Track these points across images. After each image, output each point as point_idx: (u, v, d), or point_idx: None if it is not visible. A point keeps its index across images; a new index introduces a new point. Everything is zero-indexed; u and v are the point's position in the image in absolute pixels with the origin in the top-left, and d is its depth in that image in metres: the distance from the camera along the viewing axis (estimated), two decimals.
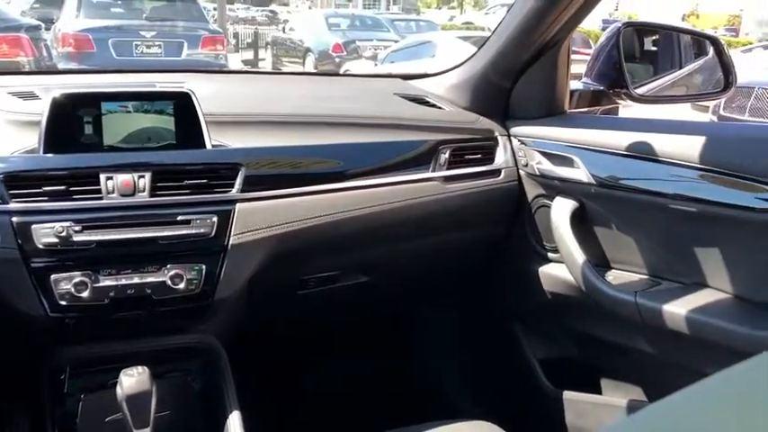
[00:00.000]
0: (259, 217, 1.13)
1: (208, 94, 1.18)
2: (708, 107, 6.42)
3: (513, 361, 1.50)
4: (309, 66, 11.54)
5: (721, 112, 6.17)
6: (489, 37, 1.45)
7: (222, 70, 6.38)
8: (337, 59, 10.93)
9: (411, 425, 1.08)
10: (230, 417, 1.05)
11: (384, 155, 1.31)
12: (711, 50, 1.66)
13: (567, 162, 1.31)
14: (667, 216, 1.16)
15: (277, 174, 1.19)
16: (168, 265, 1.06)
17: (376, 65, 9.49)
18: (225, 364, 1.14)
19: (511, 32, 1.35)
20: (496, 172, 1.41)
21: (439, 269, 1.53)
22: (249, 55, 13.90)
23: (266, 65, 13.30)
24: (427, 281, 1.57)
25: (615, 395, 1.31)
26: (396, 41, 10.75)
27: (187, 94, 1.12)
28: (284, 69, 11.56)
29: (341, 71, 9.22)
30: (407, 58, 9.21)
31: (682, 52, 1.71)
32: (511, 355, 1.51)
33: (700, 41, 1.70)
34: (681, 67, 1.69)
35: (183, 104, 1.12)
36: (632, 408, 1.24)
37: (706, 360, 1.11)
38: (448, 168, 1.36)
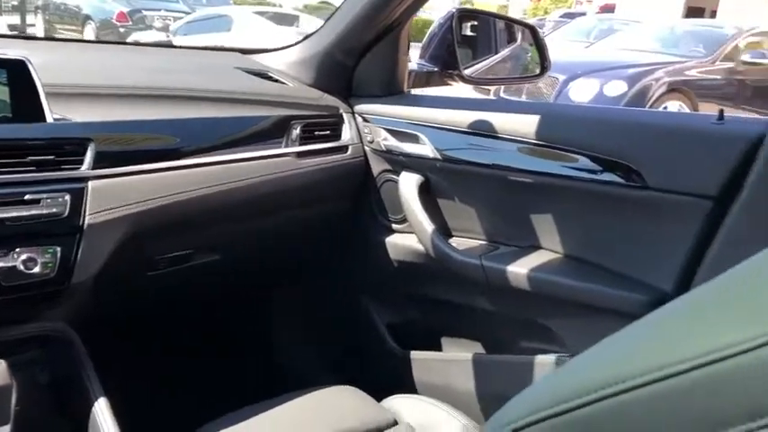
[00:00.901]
0: (114, 195, 1.07)
1: (46, 64, 1.08)
2: (489, 90, 7.01)
3: (366, 330, 1.57)
4: (90, 35, 10.65)
5: (501, 94, 6.79)
6: (333, 14, 1.48)
7: (56, 38, 5.68)
8: (122, 29, 10.22)
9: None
10: (95, 405, 1.00)
11: (237, 130, 1.30)
12: (520, 37, 1.85)
13: (412, 139, 1.40)
14: (504, 187, 1.29)
15: (129, 150, 1.13)
16: (18, 249, 0.97)
17: (168, 37, 9.03)
18: (82, 351, 1.07)
19: (357, 12, 1.40)
20: (344, 148, 1.46)
21: (290, 245, 1.55)
22: (15, 19, 12.47)
23: (36, 32, 12.03)
24: (279, 257, 1.58)
25: (460, 351, 1.43)
26: (187, 13, 10.30)
27: (22, 61, 1.02)
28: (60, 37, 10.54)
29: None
30: (201, 31, 8.88)
31: (497, 38, 1.88)
32: (363, 324, 1.58)
33: (511, 28, 1.88)
34: (496, 53, 1.86)
35: (17, 73, 1.01)
36: (476, 361, 1.37)
37: (539, 312, 1.27)
38: (300, 144, 1.38)
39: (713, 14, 13.42)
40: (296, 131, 1.37)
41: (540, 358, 1.25)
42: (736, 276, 0.43)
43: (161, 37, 9.20)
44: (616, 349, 0.44)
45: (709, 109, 6.34)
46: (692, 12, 13.74)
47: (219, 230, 1.31)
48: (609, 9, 19.57)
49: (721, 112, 1.08)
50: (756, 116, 5.86)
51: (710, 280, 0.43)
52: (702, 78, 6.59)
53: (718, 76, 6.71)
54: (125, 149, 1.12)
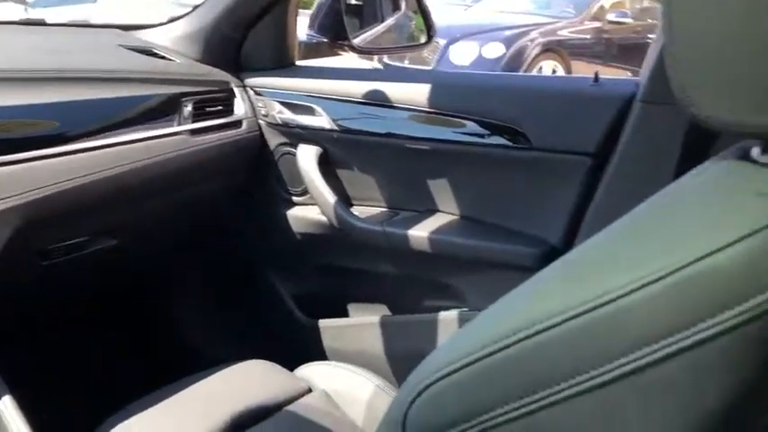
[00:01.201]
0: (1, 185, 1.02)
1: None
2: (373, 58, 7.04)
3: (273, 303, 1.58)
4: None
5: (385, 59, 6.83)
6: None
7: None
8: None
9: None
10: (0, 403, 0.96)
11: (125, 110, 1.26)
12: (404, 5, 1.88)
13: (308, 111, 1.41)
14: (400, 154, 1.33)
15: (13, 137, 1.07)
16: None
17: (26, 10, 8.38)
18: None
19: None
20: (238, 123, 1.45)
21: (189, 224, 1.53)
22: None
23: None
24: (179, 237, 1.55)
25: (369, 315, 1.48)
26: None
27: None
28: None
29: None
30: (64, 2, 8.31)
31: (382, 7, 1.91)
32: (269, 297, 1.59)
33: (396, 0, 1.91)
34: (382, 21, 1.88)
35: None
36: (384, 323, 1.42)
37: (441, 271, 1.33)
38: (192, 122, 1.35)
39: None
40: (187, 109, 1.35)
41: (443, 315, 1.32)
42: (611, 233, 0.49)
43: (19, 10, 8.52)
44: (511, 305, 0.49)
45: (580, 67, 6.68)
46: None
47: (115, 215, 1.27)
48: None
49: (596, 74, 1.16)
50: (628, 75, 6.25)
51: (590, 237, 0.49)
52: (573, 38, 6.91)
53: (588, 36, 7.06)
54: (7, 137, 1.06)
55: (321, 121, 1.39)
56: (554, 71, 6.54)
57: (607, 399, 0.43)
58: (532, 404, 0.44)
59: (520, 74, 5.28)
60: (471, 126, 1.24)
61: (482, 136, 1.23)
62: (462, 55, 6.33)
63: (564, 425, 0.44)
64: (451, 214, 1.33)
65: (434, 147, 1.28)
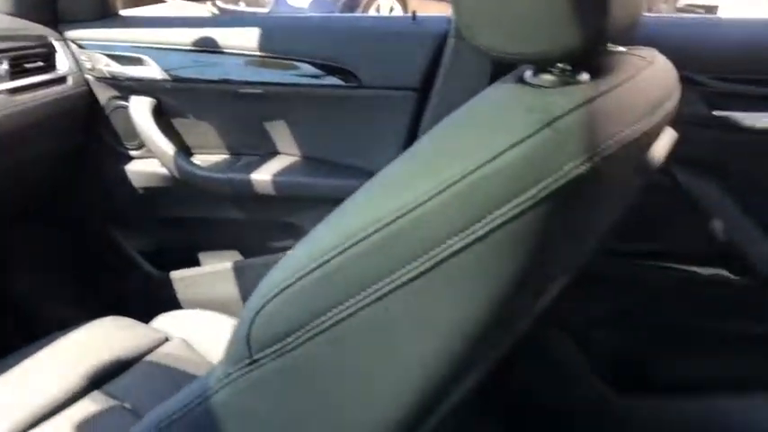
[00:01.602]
0: None
1: None
2: (206, 1, 6.74)
3: (119, 260, 1.56)
4: None
5: (219, 3, 6.58)
6: None
7: None
8: None
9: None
10: None
11: None
12: None
13: (136, 62, 1.37)
14: (237, 100, 1.35)
15: None
16: None
17: None
18: None
19: None
20: (62, 79, 1.39)
21: (21, 188, 1.45)
22: None
23: None
24: (12, 202, 1.48)
25: (219, 262, 1.50)
26: None
27: None
28: None
29: None
30: None
31: None
32: (115, 256, 1.56)
33: None
34: None
35: None
36: (236, 268, 1.45)
37: (285, 212, 1.38)
38: (11, 80, 1.28)
39: None
40: (3, 67, 1.27)
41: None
42: (411, 153, 0.57)
43: None
44: (330, 224, 0.56)
45: (418, 5, 6.81)
46: None
47: None
48: None
49: (414, 13, 1.24)
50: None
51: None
52: None
53: None
54: None
55: (151, 71, 1.37)
56: (391, 9, 6.63)
57: (416, 292, 0.51)
58: (353, 306, 0.51)
59: (348, 15, 5.32)
60: (304, 68, 1.28)
61: (315, 77, 1.28)
62: None
63: (380, 321, 0.52)
64: (291, 155, 1.37)
65: (269, 90, 1.31)
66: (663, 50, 0.73)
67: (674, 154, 1.03)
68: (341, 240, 0.51)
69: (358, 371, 0.54)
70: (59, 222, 1.62)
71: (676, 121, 0.93)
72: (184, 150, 1.43)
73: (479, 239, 0.48)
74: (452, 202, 0.49)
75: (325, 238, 0.53)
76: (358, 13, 6.18)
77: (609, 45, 0.66)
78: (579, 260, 0.69)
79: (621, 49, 0.69)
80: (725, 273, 1.04)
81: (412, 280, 0.50)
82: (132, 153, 1.48)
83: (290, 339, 0.53)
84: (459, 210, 0.49)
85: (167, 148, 1.38)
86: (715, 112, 0.98)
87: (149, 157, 1.45)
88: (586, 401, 1.16)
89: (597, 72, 0.58)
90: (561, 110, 0.50)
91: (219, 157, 1.42)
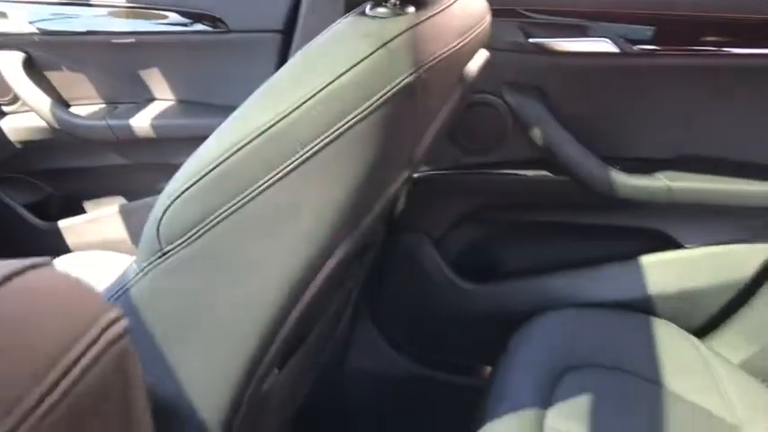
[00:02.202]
0: None
1: None
2: None
3: (2, 215, 1.59)
4: None
5: None
6: None
7: None
8: None
9: None
10: None
11: None
12: None
13: (2, 16, 1.40)
14: (109, 50, 1.41)
15: None
16: None
17: None
18: None
19: None
20: None
21: None
22: None
23: None
24: None
25: (108, 207, 1.57)
26: None
27: None
28: None
29: None
30: None
31: None
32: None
33: None
34: None
35: None
36: (123, 211, 1.53)
37: (167, 153, 1.47)
38: None
39: None
40: None
41: None
42: (277, 76, 0.71)
43: None
44: (223, 131, 0.70)
45: None
46: None
47: None
48: None
49: None
50: None
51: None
52: None
53: None
54: None
55: (17, 25, 1.39)
56: None
57: (291, 183, 0.65)
58: (242, 200, 0.65)
59: None
60: (173, 17, 1.36)
61: (185, 24, 1.37)
62: None
63: (264, 211, 0.66)
64: (168, 100, 1.46)
65: (140, 39, 1.39)
66: None
67: (502, 76, 1.23)
68: (227, 148, 0.65)
69: (251, 254, 0.68)
70: None
71: (500, 48, 1.13)
72: (62, 102, 1.47)
73: (336, 138, 0.64)
74: (313, 110, 0.64)
75: (213, 148, 0.67)
76: None
77: None
78: (417, 155, 0.86)
79: None
80: (547, 173, 1.27)
81: (287, 174, 0.65)
82: (6, 108, 1.50)
83: (193, 231, 0.67)
84: (318, 116, 0.64)
85: (43, 100, 1.43)
86: (531, 40, 1.19)
87: (25, 111, 1.48)
88: (441, 292, 1.37)
89: (420, 5, 0.74)
90: (391, 34, 0.66)
91: (99, 107, 1.49)
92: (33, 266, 0.36)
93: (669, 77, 1.19)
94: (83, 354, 0.35)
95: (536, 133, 1.23)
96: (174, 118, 1.42)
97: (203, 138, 1.34)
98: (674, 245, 1.26)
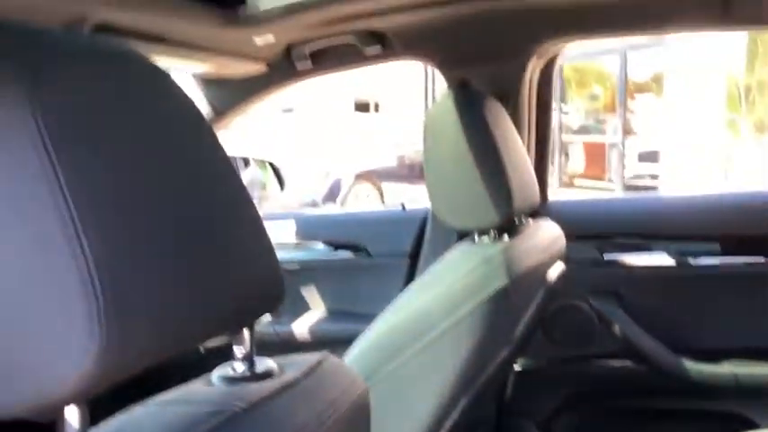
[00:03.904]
0: None
1: None
2: None
3: None
4: None
5: None
6: None
7: None
8: None
9: None
10: None
11: None
12: (253, 163, 2.47)
13: None
14: None
15: None
16: None
17: None
18: None
19: None
20: None
21: None
22: None
23: None
24: None
25: None
26: None
27: None
28: None
29: None
30: None
31: (236, 164, 2.48)
32: None
33: (246, 160, 2.50)
34: None
35: None
36: None
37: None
38: None
39: (377, 106, 15.59)
40: None
41: None
42: (405, 295, 1.07)
43: None
44: (365, 335, 1.05)
45: (391, 187, 7.64)
46: (360, 106, 15.92)
47: None
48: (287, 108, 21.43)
49: (403, 204, 1.80)
50: None
51: None
52: (381, 165, 7.94)
53: (393, 163, 8.12)
54: None
55: None
56: (368, 195, 7.43)
57: (418, 362, 0.98)
58: (384, 371, 0.98)
59: (365, 211, 6.18)
60: (325, 247, 1.82)
61: (332, 253, 1.81)
62: (287, 188, 7.01)
63: (400, 380, 0.98)
64: (319, 311, 1.86)
65: (304, 265, 1.83)
66: (570, 219, 1.28)
67: (586, 285, 1.55)
68: (376, 334, 0.99)
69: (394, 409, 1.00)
70: None
71: (584, 263, 1.47)
72: None
73: (450, 328, 0.98)
74: (433, 311, 0.99)
75: (366, 338, 1.02)
76: (339, 199, 6.96)
77: (523, 218, 1.20)
78: (512, 340, 1.16)
79: (530, 220, 1.23)
80: (630, 363, 1.52)
81: (415, 353, 0.98)
82: None
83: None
84: (436, 314, 0.99)
85: None
86: (605, 256, 1.52)
87: None
88: None
89: (512, 235, 1.11)
90: (491, 254, 1.02)
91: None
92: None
93: (725, 282, 1.47)
94: None
95: (617, 330, 1.51)
96: (326, 324, 1.80)
97: (350, 341, 1.71)
98: (750, 425, 1.44)
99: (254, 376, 0.53)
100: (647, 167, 8.81)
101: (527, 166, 1.19)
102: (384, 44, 1.49)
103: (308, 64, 1.55)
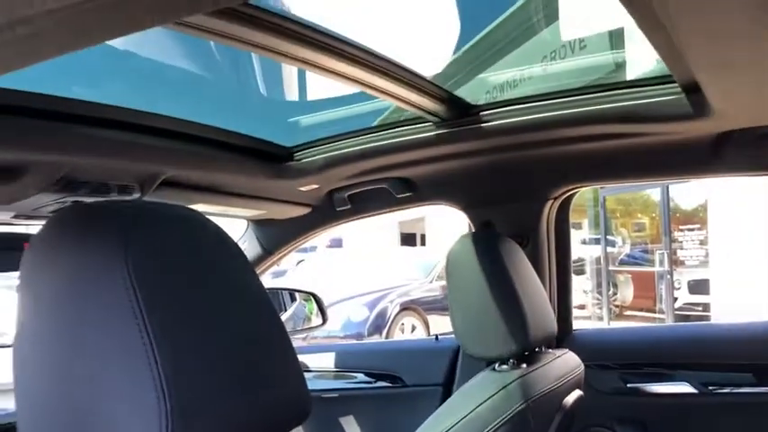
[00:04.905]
0: None
1: None
2: None
3: None
4: None
5: None
6: None
7: None
8: None
9: None
10: None
11: None
12: (298, 297, 2.62)
13: None
14: (319, 402, 1.95)
15: None
16: None
17: None
18: None
19: None
20: None
21: None
22: None
23: None
24: None
25: None
26: None
27: None
28: None
29: None
30: None
31: (283, 298, 2.64)
32: None
33: (292, 294, 2.65)
34: (286, 310, 2.60)
35: None
36: None
37: None
38: None
39: (423, 238, 15.89)
40: None
41: None
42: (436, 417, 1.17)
43: None
44: None
45: (436, 319, 7.68)
46: (406, 238, 16.24)
47: None
48: (336, 241, 21.92)
49: (437, 335, 1.91)
50: None
51: None
52: (425, 296, 8.02)
53: (437, 293, 8.21)
54: None
55: None
56: (413, 327, 7.48)
57: None
58: None
59: (401, 341, 6.25)
60: (360, 376, 1.92)
61: (370, 382, 1.91)
62: (332, 321, 7.13)
63: None
64: None
65: (342, 394, 1.93)
66: (594, 348, 1.37)
67: (611, 414, 1.60)
68: None
69: None
70: None
71: (607, 392, 1.54)
72: None
73: None
74: (459, 431, 1.08)
75: None
76: (385, 331, 7.03)
77: (543, 348, 1.30)
78: None
79: (550, 350, 1.33)
80: None
81: None
82: None
83: None
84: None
85: None
86: (629, 385, 1.58)
87: None
88: None
89: (530, 363, 1.21)
90: (509, 380, 1.12)
91: None
92: None
93: (744, 410, 1.51)
94: None
95: None
96: None
97: None
98: None
99: None
100: (698, 298, 8.67)
101: (542, 300, 1.30)
102: (414, 190, 1.67)
103: (348, 207, 1.74)
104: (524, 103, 1.37)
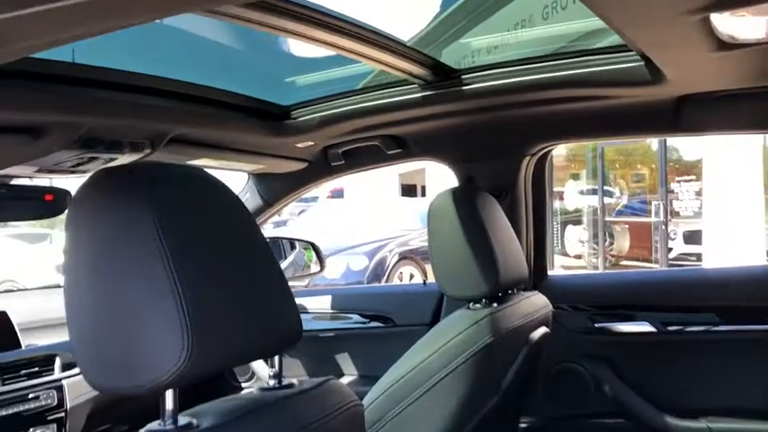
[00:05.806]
0: (83, 386, 1.68)
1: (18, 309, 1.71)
2: None
3: None
4: None
5: None
6: None
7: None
8: None
9: None
10: None
11: None
12: (298, 245, 2.77)
13: None
14: (313, 341, 2.12)
15: None
16: (31, 429, 1.52)
17: None
18: None
19: None
20: None
21: None
22: None
23: None
24: None
25: None
26: None
27: (3, 312, 1.64)
28: None
29: None
30: None
31: (284, 247, 2.79)
32: None
33: (292, 243, 2.80)
34: (286, 258, 2.76)
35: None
36: None
37: None
38: None
39: (423, 189, 16.01)
40: None
41: None
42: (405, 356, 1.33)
43: None
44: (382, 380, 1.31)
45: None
46: (407, 189, 16.36)
47: None
48: (338, 192, 21.96)
49: (425, 281, 2.07)
50: None
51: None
52: (422, 246, 8.19)
53: None
54: None
55: None
56: (411, 276, 7.68)
57: (424, 401, 1.23)
58: (399, 409, 1.23)
59: (392, 285, 6.45)
60: (355, 317, 2.08)
61: (364, 322, 2.07)
62: (333, 269, 7.33)
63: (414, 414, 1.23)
64: (351, 375, 2.11)
65: (337, 334, 2.09)
66: (566, 291, 1.53)
67: (581, 350, 1.77)
68: (387, 384, 1.25)
69: None
70: None
71: (577, 330, 1.70)
72: None
73: (447, 375, 1.22)
74: (432, 362, 1.24)
75: (381, 383, 1.27)
76: (383, 279, 7.24)
77: (515, 290, 1.45)
78: (501, 387, 1.38)
79: (522, 293, 1.48)
80: (623, 420, 1.71)
81: (418, 398, 1.22)
82: None
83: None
84: (433, 365, 1.23)
85: None
86: (596, 325, 1.74)
87: None
88: None
89: (500, 303, 1.36)
90: (480, 317, 1.28)
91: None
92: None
93: (699, 347, 1.67)
94: None
95: (609, 391, 1.72)
96: (357, 386, 2.04)
97: None
98: None
99: (281, 387, 0.80)
100: (693, 248, 8.84)
101: (515, 248, 1.45)
102: (403, 147, 1.80)
103: (341, 162, 1.88)
104: (502, 68, 1.49)
